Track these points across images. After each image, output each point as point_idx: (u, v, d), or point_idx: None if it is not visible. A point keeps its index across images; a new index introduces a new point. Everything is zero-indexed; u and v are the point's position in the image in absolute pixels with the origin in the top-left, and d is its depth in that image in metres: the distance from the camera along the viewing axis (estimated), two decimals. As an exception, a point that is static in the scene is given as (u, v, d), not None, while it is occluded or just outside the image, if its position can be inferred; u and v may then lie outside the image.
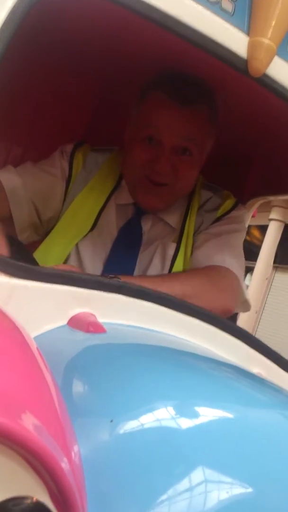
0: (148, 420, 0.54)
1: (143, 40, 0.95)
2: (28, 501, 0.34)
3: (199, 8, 0.83)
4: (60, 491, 0.34)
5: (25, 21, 0.74)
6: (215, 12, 0.84)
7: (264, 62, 0.89)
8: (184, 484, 0.50)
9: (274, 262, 6.69)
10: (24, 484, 0.34)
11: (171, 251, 1.25)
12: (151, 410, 0.55)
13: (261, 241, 6.49)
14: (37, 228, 1.28)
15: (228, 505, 0.51)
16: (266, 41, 0.88)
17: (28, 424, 0.34)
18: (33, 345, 0.61)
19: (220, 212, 1.30)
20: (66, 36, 1.09)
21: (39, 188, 1.21)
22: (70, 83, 1.36)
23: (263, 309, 7.01)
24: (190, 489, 0.50)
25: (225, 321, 0.93)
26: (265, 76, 0.90)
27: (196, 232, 1.28)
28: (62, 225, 1.25)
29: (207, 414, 0.59)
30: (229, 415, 0.60)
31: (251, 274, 6.14)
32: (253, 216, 1.72)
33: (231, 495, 0.51)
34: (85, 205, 1.26)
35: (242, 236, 1.36)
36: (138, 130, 1.18)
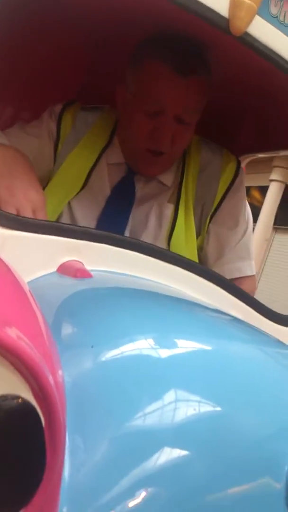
0: (126, 347, 0.61)
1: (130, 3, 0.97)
2: (15, 399, 0.41)
3: None
4: (41, 389, 0.41)
5: None
6: None
7: (245, 21, 0.92)
8: (155, 401, 0.57)
9: (274, 223, 6.72)
10: (11, 385, 0.41)
11: (167, 211, 1.28)
12: (130, 339, 0.62)
13: (261, 203, 6.50)
14: None
15: (195, 419, 0.57)
16: (247, 0, 0.91)
17: (14, 335, 0.41)
18: (26, 287, 0.68)
19: (223, 180, 1.32)
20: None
21: (27, 152, 1.25)
22: (62, 42, 1.37)
23: (263, 270, 7.09)
24: (161, 406, 0.57)
25: (205, 268, 0.99)
26: (246, 34, 0.94)
27: (198, 201, 1.30)
28: (53, 185, 1.27)
29: (183, 344, 0.65)
30: (205, 346, 0.66)
31: (251, 235, 6.18)
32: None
33: (198, 411, 0.58)
34: (76, 164, 1.28)
35: (248, 209, 1.42)
36: (139, 101, 1.18)
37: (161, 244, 1.26)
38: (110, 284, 0.85)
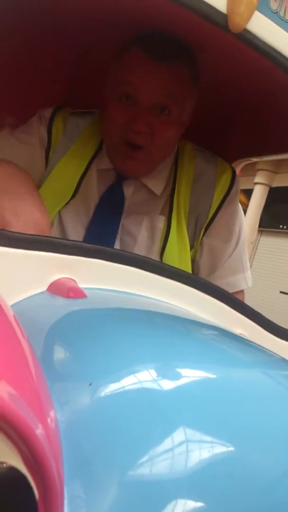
0: (127, 382, 0.54)
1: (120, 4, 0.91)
2: (1, 466, 0.34)
3: None
4: (33, 456, 0.34)
5: None
6: None
7: (244, 16, 0.86)
8: (164, 444, 0.50)
9: (259, 225, 6.73)
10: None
11: (160, 224, 1.23)
12: (130, 372, 0.55)
13: (246, 205, 6.51)
14: None
15: (209, 464, 0.51)
16: (246, -5, 0.85)
17: (1, 391, 0.34)
18: (9, 313, 0.60)
19: (218, 191, 1.27)
20: (41, 5, 1.05)
21: (19, 161, 1.18)
22: (48, 45, 1.31)
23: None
24: (170, 449, 0.50)
25: (206, 283, 0.93)
26: (246, 31, 0.88)
27: (192, 212, 1.25)
28: (43, 193, 1.20)
29: (188, 375, 0.59)
30: (210, 375, 0.61)
31: (236, 238, 6.18)
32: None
33: (212, 454, 0.52)
34: (66, 172, 1.23)
35: (242, 216, 1.37)
36: (115, 88, 1.15)
37: (154, 257, 1.20)
38: (105, 304, 0.77)
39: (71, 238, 1.22)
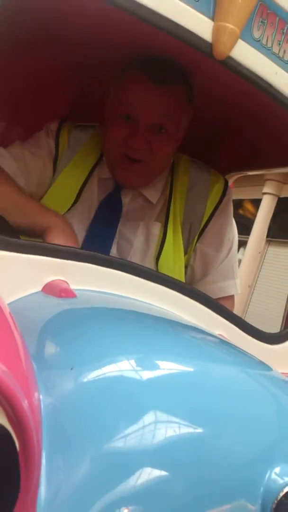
0: (105, 368, 0.62)
1: (117, 26, 0.99)
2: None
3: None
4: (16, 416, 0.42)
5: (7, 7, 0.79)
6: None
7: (227, 45, 0.94)
8: (134, 422, 0.57)
9: (267, 236, 6.72)
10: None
11: (155, 230, 1.31)
12: (109, 359, 0.63)
13: (254, 215, 6.51)
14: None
15: (175, 441, 0.58)
16: (229, 25, 0.93)
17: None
18: (6, 309, 0.68)
19: (211, 200, 1.34)
20: (45, 19, 1.13)
21: (32, 174, 1.27)
22: (52, 60, 1.39)
23: (256, 283, 7.09)
24: (140, 427, 0.58)
25: (189, 287, 1.00)
26: (229, 58, 0.96)
27: (186, 220, 1.32)
28: (47, 201, 1.30)
29: (163, 365, 0.66)
30: (185, 366, 0.67)
31: (244, 248, 6.19)
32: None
33: (179, 432, 0.59)
34: (68, 181, 1.31)
35: (234, 226, 1.45)
36: (116, 108, 1.23)
37: (149, 263, 1.28)
38: (93, 304, 0.86)
39: None
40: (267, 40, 1.00)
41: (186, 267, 1.35)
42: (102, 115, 1.31)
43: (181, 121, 1.26)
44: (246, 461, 0.62)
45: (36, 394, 0.56)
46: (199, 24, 0.92)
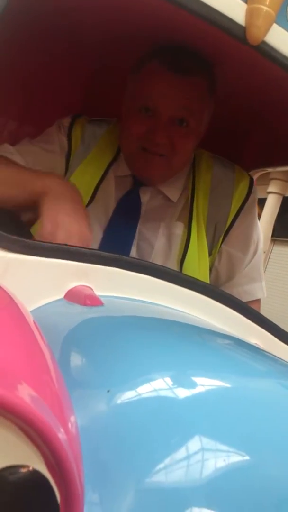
0: (145, 390, 0.55)
1: (139, 9, 0.92)
2: (25, 469, 0.34)
3: None
4: (56, 459, 0.34)
5: None
6: None
7: (262, 29, 0.87)
8: (181, 452, 0.51)
9: (272, 235, 6.70)
10: (20, 454, 0.34)
11: (178, 231, 1.24)
12: (148, 380, 0.56)
13: (260, 215, 6.48)
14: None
15: (225, 472, 0.51)
16: (264, 8, 0.85)
17: (24, 394, 0.35)
18: (30, 318, 0.61)
19: (236, 199, 1.28)
20: (59, 7, 1.06)
21: (41, 168, 1.20)
22: (64, 54, 1.33)
23: (261, 282, 7.04)
24: (187, 457, 0.51)
25: (222, 292, 0.94)
26: (264, 43, 0.88)
27: (211, 220, 1.26)
28: None
29: (205, 383, 0.60)
30: (227, 384, 0.61)
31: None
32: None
33: (228, 463, 0.52)
34: (83, 179, 1.25)
35: (259, 226, 1.39)
36: (134, 100, 1.17)
37: (172, 265, 1.22)
38: (123, 313, 0.78)
39: None
40: None
41: (210, 269, 1.27)
42: (117, 111, 1.24)
43: (203, 114, 1.19)
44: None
45: (72, 418, 0.49)
46: (232, 6, 0.85)
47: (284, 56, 0.91)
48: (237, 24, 0.86)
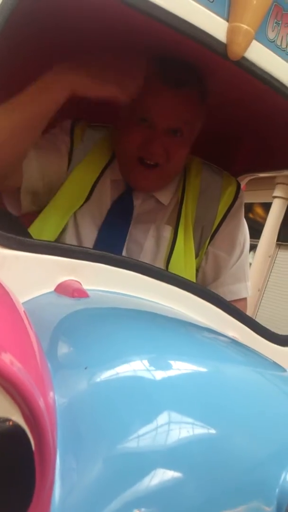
0: (119, 368, 0.61)
1: (132, 26, 0.98)
2: (6, 421, 0.42)
3: None
4: (32, 414, 0.42)
5: (21, 5, 0.79)
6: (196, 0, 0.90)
7: (242, 46, 0.94)
8: (148, 422, 0.57)
9: (277, 239, 6.69)
10: (2, 408, 0.42)
11: (166, 233, 1.30)
12: (124, 360, 0.62)
13: (265, 219, 6.48)
14: (38, 197, 1.32)
15: (188, 442, 0.58)
16: (244, 26, 0.93)
17: (6, 359, 0.42)
18: (20, 308, 0.68)
19: (223, 203, 1.34)
20: (58, 23, 1.13)
21: (51, 165, 1.26)
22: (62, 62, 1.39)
23: (266, 286, 7.05)
24: (154, 428, 0.57)
25: (202, 288, 1.00)
26: (244, 59, 0.96)
27: (198, 223, 1.31)
28: (59, 198, 1.30)
29: (178, 365, 0.66)
30: (199, 366, 0.67)
31: (254, 252, 6.16)
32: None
33: (193, 433, 0.59)
34: (81, 178, 1.31)
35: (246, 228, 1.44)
36: (131, 111, 1.22)
37: (159, 265, 1.27)
38: (106, 304, 0.85)
39: (85, 239, 1.30)
40: (281, 41, 0.99)
41: (197, 270, 1.34)
42: (113, 117, 1.31)
43: (196, 123, 1.25)
44: (260, 462, 0.62)
45: (51, 394, 0.56)
46: (214, 25, 0.92)
47: (263, 71, 0.98)
48: (218, 41, 0.93)
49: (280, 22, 0.98)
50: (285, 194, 6.47)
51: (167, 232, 1.30)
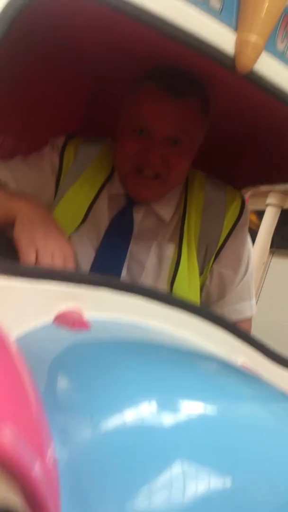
0: (127, 417, 0.56)
1: (133, 37, 0.94)
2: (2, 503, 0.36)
3: (188, 7, 0.83)
4: (31, 496, 0.36)
5: (18, 18, 0.74)
6: (203, 10, 0.84)
7: (251, 58, 0.89)
8: (161, 479, 0.52)
9: (271, 246, 6.69)
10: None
11: (168, 252, 1.25)
12: (131, 407, 0.57)
13: (258, 226, 6.48)
14: None
15: (205, 498, 0.52)
16: (253, 37, 0.88)
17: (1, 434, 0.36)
18: (11, 348, 0.62)
19: (228, 219, 1.29)
20: (59, 32, 1.09)
21: (30, 186, 1.21)
22: (63, 75, 1.35)
23: (260, 292, 7.04)
24: (168, 484, 0.52)
25: (210, 312, 0.95)
26: (253, 72, 0.91)
27: (202, 240, 1.26)
28: (55, 218, 1.25)
29: (188, 409, 0.60)
30: (209, 409, 0.62)
31: (248, 258, 6.15)
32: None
33: (209, 488, 0.53)
34: (76, 198, 1.26)
35: (250, 245, 1.40)
36: (129, 121, 1.18)
37: (162, 285, 1.22)
38: (110, 337, 0.80)
39: (82, 263, 1.24)
40: None
41: (201, 288, 1.29)
42: (113, 129, 1.26)
43: (197, 134, 1.20)
44: (279, 509, 0.57)
45: (50, 451, 0.50)
46: (222, 36, 0.87)
47: (272, 84, 0.93)
48: (226, 54, 0.88)
49: (290, 33, 0.93)
50: (278, 202, 6.49)
51: (170, 250, 1.24)
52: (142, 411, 0.57)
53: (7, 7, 0.73)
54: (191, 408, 0.61)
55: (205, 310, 0.95)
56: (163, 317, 0.90)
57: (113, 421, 0.55)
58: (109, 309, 0.85)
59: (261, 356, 0.98)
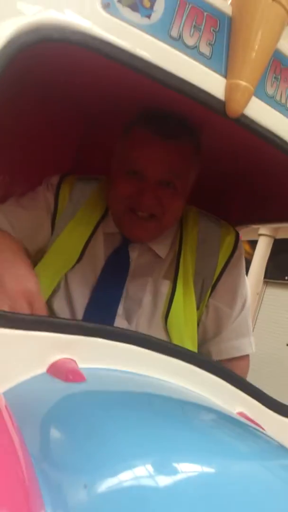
0: (122, 481, 0.53)
1: (125, 83, 0.95)
2: None
3: (178, 54, 0.84)
4: None
5: (12, 64, 0.75)
6: (193, 56, 0.85)
7: (241, 103, 0.90)
8: None
9: (265, 276, 6.70)
10: None
11: (164, 289, 1.24)
12: (125, 470, 0.54)
13: (252, 255, 6.51)
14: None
15: None
16: (243, 83, 0.88)
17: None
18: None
19: (222, 254, 1.29)
20: (52, 77, 1.10)
21: (25, 228, 1.21)
22: (56, 117, 1.36)
23: (255, 323, 7.00)
24: None
25: (207, 360, 0.93)
26: (243, 116, 0.91)
27: (198, 275, 1.26)
28: (49, 258, 1.24)
29: (183, 471, 0.58)
30: (206, 470, 0.59)
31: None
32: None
33: None
34: (72, 237, 1.25)
35: (247, 280, 1.39)
36: (122, 163, 1.19)
37: (158, 322, 1.21)
38: (104, 390, 0.77)
39: (77, 301, 1.22)
40: (281, 96, 0.96)
41: (198, 323, 1.27)
42: (106, 169, 1.26)
43: (189, 175, 1.21)
44: None
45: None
46: (212, 82, 0.88)
47: (263, 128, 0.93)
48: (216, 99, 0.89)
49: (279, 77, 0.95)
50: (270, 232, 6.53)
51: (165, 287, 1.23)
52: (136, 474, 0.54)
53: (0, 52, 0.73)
54: (187, 470, 0.59)
55: (200, 357, 0.93)
56: (158, 365, 0.88)
57: (107, 490, 0.52)
58: (104, 359, 0.83)
59: (258, 404, 0.95)
